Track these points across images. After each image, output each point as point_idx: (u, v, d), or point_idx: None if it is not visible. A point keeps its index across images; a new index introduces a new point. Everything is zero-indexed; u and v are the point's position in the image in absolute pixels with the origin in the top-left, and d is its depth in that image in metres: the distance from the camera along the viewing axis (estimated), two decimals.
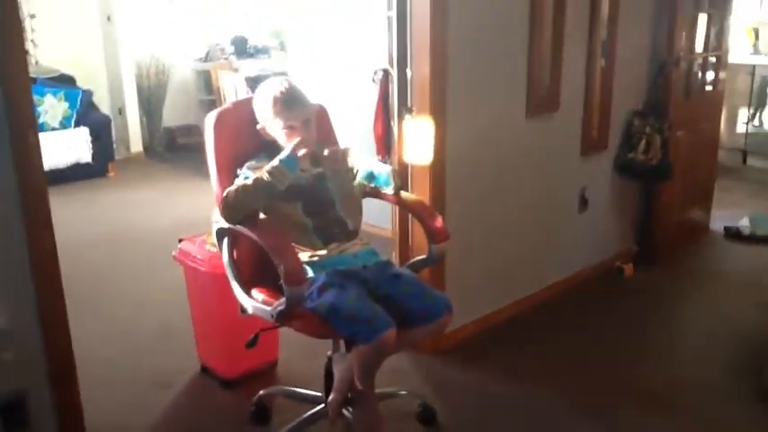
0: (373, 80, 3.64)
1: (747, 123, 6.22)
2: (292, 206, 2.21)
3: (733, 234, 4.47)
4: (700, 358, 3.04)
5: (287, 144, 2.18)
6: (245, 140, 2.33)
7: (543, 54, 3.18)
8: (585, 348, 3.11)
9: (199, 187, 5.85)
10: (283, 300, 2.01)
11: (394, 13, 2.88)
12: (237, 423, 2.53)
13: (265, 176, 2.07)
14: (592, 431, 2.50)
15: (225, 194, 2.10)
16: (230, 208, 2.08)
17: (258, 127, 2.28)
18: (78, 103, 6.08)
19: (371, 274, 2.17)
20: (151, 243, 4.44)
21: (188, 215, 4.96)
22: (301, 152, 2.09)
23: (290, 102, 2.20)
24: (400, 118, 2.94)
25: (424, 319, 2.11)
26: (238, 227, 2.12)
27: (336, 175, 2.30)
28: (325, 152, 2.15)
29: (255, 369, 2.82)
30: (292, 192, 2.17)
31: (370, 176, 2.35)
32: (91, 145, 6.03)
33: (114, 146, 6.49)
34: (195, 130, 7.45)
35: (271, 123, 2.23)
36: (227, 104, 2.46)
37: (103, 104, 6.70)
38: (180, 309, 3.26)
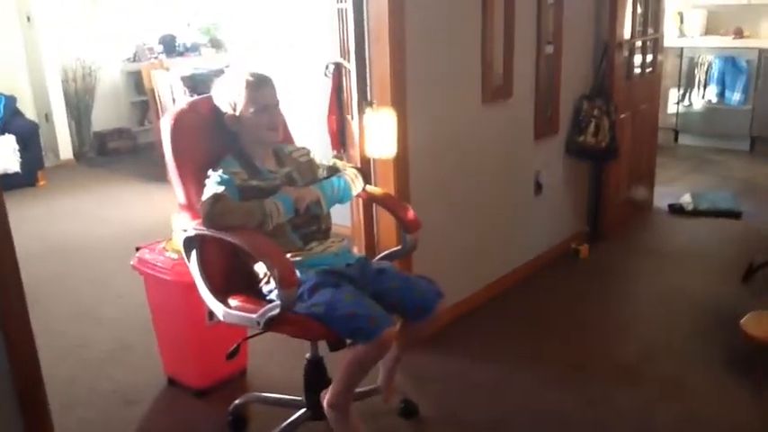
0: (325, 74, 3.56)
1: (678, 103, 6.44)
2: None
3: (677, 210, 4.62)
4: (660, 327, 3.14)
5: (256, 131, 2.15)
6: (206, 141, 2.24)
7: (496, 43, 3.18)
8: (553, 328, 3.16)
9: (135, 191, 5.66)
10: (275, 305, 1.94)
11: (349, 5, 2.81)
12: None
13: (259, 210, 2.02)
14: (566, 404, 2.55)
15: (209, 206, 1.99)
16: (213, 220, 1.99)
17: (226, 116, 2.20)
18: (2, 109, 5.76)
19: (356, 272, 2.13)
20: (94, 253, 4.25)
21: (128, 222, 4.79)
22: (303, 204, 2.11)
23: (262, 82, 2.18)
24: (360, 112, 2.89)
25: (421, 313, 2.11)
26: (218, 233, 2.02)
27: (303, 174, 2.26)
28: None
29: (226, 378, 2.73)
30: (267, 194, 2.10)
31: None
32: (18, 153, 5.71)
33: (43, 153, 6.17)
34: (127, 134, 7.19)
35: (241, 108, 2.15)
36: (181, 105, 2.33)
37: (28, 111, 6.36)
38: (135, 320, 3.14)
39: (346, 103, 3.41)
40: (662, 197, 4.82)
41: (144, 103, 7.00)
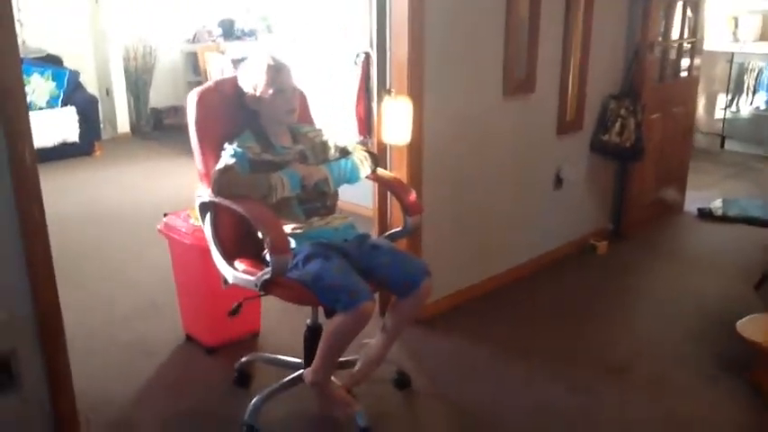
0: (355, 62, 3.72)
1: (725, 109, 6.34)
2: None
3: (705, 214, 4.61)
4: (661, 326, 3.18)
5: (273, 111, 2.33)
6: (226, 117, 2.42)
7: (519, 36, 3.27)
8: (555, 319, 3.24)
9: (184, 166, 5.91)
10: (268, 269, 2.11)
11: None
12: (220, 387, 2.64)
13: (265, 183, 2.18)
14: (552, 393, 2.64)
15: (218, 175, 2.19)
16: (221, 189, 2.19)
17: (247, 95, 2.38)
18: (65, 82, 6.13)
19: (351, 247, 2.28)
20: (136, 220, 4.52)
21: (173, 193, 5.03)
22: (311, 180, 2.28)
23: (280, 67, 2.36)
24: (379, 99, 3.03)
25: (408, 289, 2.23)
26: (225, 201, 2.21)
27: (316, 153, 2.42)
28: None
29: (238, 338, 2.94)
30: (278, 168, 2.27)
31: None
32: (78, 124, 6.08)
33: (101, 125, 6.54)
34: (182, 111, 7.47)
35: (261, 89, 2.33)
36: (208, 83, 2.54)
37: (90, 85, 6.74)
38: (165, 282, 3.36)
39: (372, 92, 3.55)
40: (695, 201, 4.80)
41: (200, 83, 7.24)
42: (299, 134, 2.46)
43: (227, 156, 2.26)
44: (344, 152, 2.50)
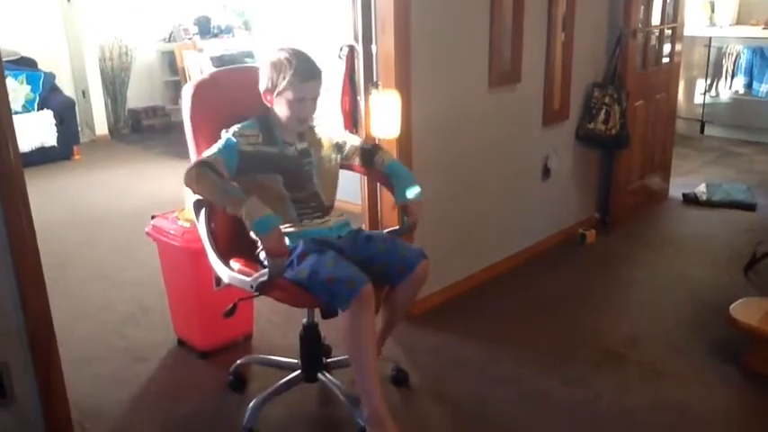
0: (339, 56, 3.67)
1: (704, 94, 6.40)
2: (272, 178, 2.24)
3: (690, 200, 4.64)
4: (654, 314, 3.19)
5: (285, 115, 2.20)
6: (223, 111, 2.34)
7: (504, 27, 3.26)
8: (547, 310, 3.24)
9: (166, 167, 5.87)
10: (265, 271, 2.06)
11: None
12: (215, 391, 2.60)
13: (232, 200, 2.01)
14: (547, 384, 2.63)
15: (193, 166, 2.12)
16: (188, 181, 2.11)
17: (262, 90, 2.24)
18: (41, 85, 6.02)
19: (346, 243, 2.25)
20: (120, 223, 4.46)
21: (156, 195, 4.97)
22: (276, 264, 2.02)
23: (309, 74, 2.18)
24: (367, 93, 3.00)
25: (404, 273, 2.18)
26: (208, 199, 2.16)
27: (319, 153, 2.35)
28: None
29: (232, 341, 2.90)
30: (275, 164, 2.22)
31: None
32: (55, 128, 5.98)
33: (79, 128, 6.43)
34: (160, 111, 7.42)
35: (281, 89, 2.19)
36: (204, 75, 2.44)
37: (66, 87, 6.63)
38: (154, 286, 3.32)
39: (358, 85, 3.52)
40: (679, 187, 4.84)
41: (177, 82, 7.21)
42: (305, 131, 2.36)
43: (216, 147, 2.18)
44: (340, 148, 2.45)
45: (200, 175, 2.09)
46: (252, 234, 2.07)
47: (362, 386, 2.09)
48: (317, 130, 2.41)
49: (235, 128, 2.23)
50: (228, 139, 2.19)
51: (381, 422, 2.07)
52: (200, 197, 2.22)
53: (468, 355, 2.85)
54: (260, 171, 2.23)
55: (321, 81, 2.23)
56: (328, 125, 2.50)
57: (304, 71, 2.18)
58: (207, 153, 2.18)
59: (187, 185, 2.13)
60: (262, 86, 2.25)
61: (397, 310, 2.34)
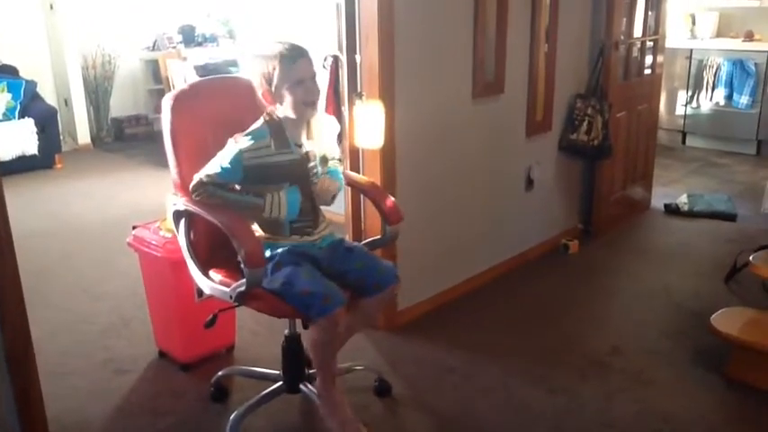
0: (323, 66, 3.67)
1: (686, 105, 6.46)
2: (279, 187, 2.18)
3: (672, 210, 4.68)
4: (637, 323, 3.21)
5: (292, 106, 2.12)
6: (203, 122, 2.30)
7: (488, 38, 3.28)
8: (531, 320, 3.25)
9: (148, 177, 5.82)
10: (243, 281, 2.04)
11: (342, 0, 2.92)
12: (197, 403, 2.57)
13: (251, 205, 2.15)
14: (532, 394, 2.64)
15: (194, 186, 2.14)
16: (200, 197, 2.14)
17: (261, 92, 2.16)
18: (22, 93, 5.96)
19: (324, 253, 2.24)
20: (102, 233, 4.42)
21: (139, 205, 4.93)
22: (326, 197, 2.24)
23: (296, 53, 2.12)
24: (351, 103, 3.00)
25: (376, 290, 2.21)
26: (197, 209, 2.15)
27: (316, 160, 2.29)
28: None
29: (213, 352, 2.87)
30: (285, 174, 2.17)
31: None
32: (36, 137, 5.92)
33: (61, 137, 6.38)
34: (143, 120, 7.38)
35: (276, 82, 2.11)
36: (183, 86, 2.40)
37: (48, 96, 6.57)
38: (135, 297, 3.29)
39: (342, 95, 3.52)
40: (661, 197, 4.88)
41: (161, 90, 7.16)
42: (312, 128, 2.27)
43: (220, 162, 2.11)
44: (324, 159, 2.42)
45: (210, 196, 2.14)
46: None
47: (320, 381, 2.25)
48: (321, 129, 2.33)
49: (245, 140, 2.12)
50: (239, 151, 2.11)
51: (335, 404, 2.23)
52: (179, 209, 2.21)
53: (452, 364, 2.84)
54: (267, 182, 2.17)
55: (311, 59, 2.17)
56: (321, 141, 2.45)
57: (289, 53, 2.11)
58: (209, 168, 2.13)
59: (197, 198, 2.15)
60: (258, 91, 2.18)
61: (360, 321, 2.34)
